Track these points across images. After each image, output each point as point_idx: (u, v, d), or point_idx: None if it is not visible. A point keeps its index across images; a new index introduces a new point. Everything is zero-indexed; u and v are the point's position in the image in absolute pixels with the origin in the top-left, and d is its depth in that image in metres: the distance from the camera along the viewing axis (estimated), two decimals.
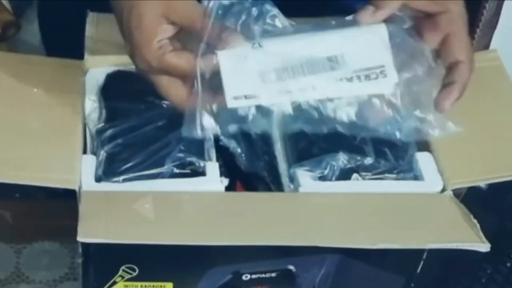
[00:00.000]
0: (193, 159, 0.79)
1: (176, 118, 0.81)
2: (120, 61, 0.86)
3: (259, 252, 0.75)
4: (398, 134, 0.76)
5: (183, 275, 0.76)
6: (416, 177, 0.81)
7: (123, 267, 0.73)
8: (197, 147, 0.80)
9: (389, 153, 0.81)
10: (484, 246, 0.74)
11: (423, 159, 0.82)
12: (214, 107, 0.73)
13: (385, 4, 0.74)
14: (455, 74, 0.76)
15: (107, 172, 0.78)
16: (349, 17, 0.75)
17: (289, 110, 0.74)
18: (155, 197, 0.76)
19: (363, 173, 0.80)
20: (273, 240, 0.73)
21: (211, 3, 0.72)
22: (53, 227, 0.93)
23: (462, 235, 0.75)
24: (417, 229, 0.76)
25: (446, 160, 0.82)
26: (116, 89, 0.85)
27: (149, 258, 0.74)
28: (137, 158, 0.78)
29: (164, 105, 0.82)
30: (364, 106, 0.75)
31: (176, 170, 0.78)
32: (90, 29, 0.90)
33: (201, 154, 0.80)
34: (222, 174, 0.79)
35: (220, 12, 0.72)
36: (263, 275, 0.77)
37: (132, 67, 0.85)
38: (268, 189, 0.84)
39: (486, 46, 1.24)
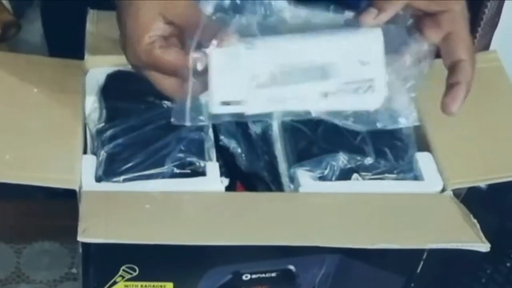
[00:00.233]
0: (193, 159, 0.79)
1: None
2: (120, 61, 0.86)
3: (259, 252, 0.75)
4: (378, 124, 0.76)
5: (183, 275, 0.76)
6: (416, 177, 0.81)
7: (123, 267, 0.73)
8: (197, 147, 0.80)
9: (389, 153, 0.81)
10: (484, 246, 0.74)
11: (423, 159, 0.82)
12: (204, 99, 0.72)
13: (388, 6, 0.74)
14: (459, 74, 0.75)
15: (107, 172, 0.78)
16: (349, 15, 0.75)
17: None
18: (155, 197, 0.76)
19: (363, 173, 0.80)
20: (273, 240, 0.73)
21: (208, 3, 0.72)
22: (53, 227, 0.94)
23: (462, 235, 0.75)
24: (417, 229, 0.76)
25: (446, 160, 0.82)
26: (116, 89, 0.85)
27: (149, 258, 0.74)
28: (137, 158, 0.78)
29: (164, 105, 0.82)
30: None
31: (176, 170, 0.78)
32: (90, 27, 0.90)
33: (201, 154, 0.80)
34: (222, 174, 0.79)
35: (216, 11, 0.72)
36: (263, 275, 0.77)
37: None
38: (268, 189, 0.84)
39: (487, 46, 1.24)
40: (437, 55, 0.79)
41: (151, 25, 0.72)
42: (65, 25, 0.95)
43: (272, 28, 0.74)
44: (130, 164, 0.78)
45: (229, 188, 0.79)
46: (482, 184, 0.82)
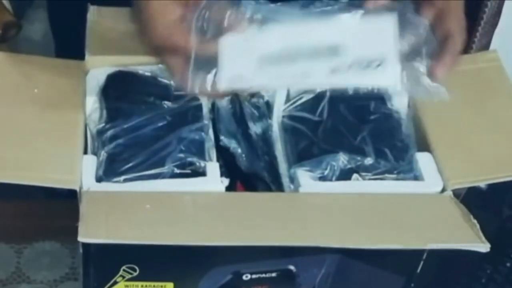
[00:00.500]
0: (193, 159, 0.79)
1: (177, 119, 0.82)
2: (120, 62, 0.86)
3: (260, 252, 0.75)
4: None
5: (183, 275, 0.76)
6: (416, 177, 0.81)
7: (123, 267, 0.74)
8: (197, 147, 0.80)
9: (389, 154, 0.81)
10: (484, 246, 0.74)
11: (423, 159, 0.82)
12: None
13: None
14: (448, 45, 0.77)
15: (107, 172, 0.78)
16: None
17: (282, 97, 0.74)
18: (156, 197, 0.76)
19: (363, 173, 0.80)
20: (274, 240, 0.73)
21: None
22: (53, 227, 0.94)
23: (462, 235, 0.75)
24: (417, 229, 0.76)
25: (446, 160, 0.82)
26: (116, 89, 0.85)
27: (150, 258, 0.74)
28: (137, 158, 0.78)
29: (165, 106, 0.82)
30: None
31: (177, 170, 0.78)
32: (91, 25, 0.90)
33: (201, 154, 0.80)
34: (222, 174, 0.79)
35: None
36: (263, 275, 0.77)
37: (132, 68, 0.86)
38: (269, 189, 0.84)
39: (487, 45, 1.24)
40: None
41: (166, 8, 0.73)
42: (72, 25, 0.95)
43: (282, 8, 0.75)
44: (130, 164, 0.78)
45: (229, 188, 0.79)
46: (482, 184, 0.82)
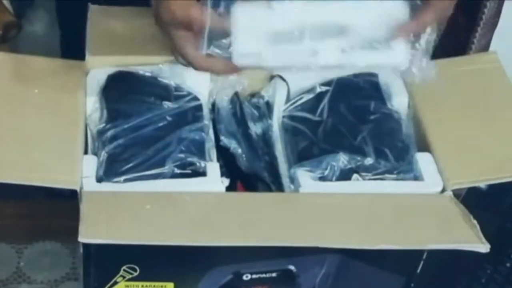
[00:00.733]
0: (194, 159, 0.79)
1: (177, 119, 0.82)
2: (121, 62, 0.87)
3: (260, 252, 0.75)
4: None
5: (184, 275, 0.76)
6: (416, 178, 0.81)
7: (124, 267, 0.74)
8: (198, 147, 0.80)
9: (389, 154, 0.81)
10: (483, 247, 0.74)
11: (423, 160, 0.82)
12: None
13: None
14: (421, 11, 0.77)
15: (108, 172, 0.78)
16: None
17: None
18: (156, 197, 0.76)
19: (363, 174, 0.80)
20: (274, 240, 0.73)
21: None
22: (54, 227, 0.94)
23: (462, 236, 0.75)
24: (417, 229, 0.76)
25: (446, 160, 0.82)
26: (117, 89, 0.85)
27: (150, 258, 0.74)
28: (138, 158, 0.79)
29: (165, 106, 0.83)
30: None
31: (177, 171, 0.78)
32: (91, 24, 0.90)
33: (202, 155, 0.80)
34: (222, 174, 0.79)
35: None
36: (263, 275, 0.77)
37: (133, 68, 0.86)
38: (269, 189, 0.84)
39: (487, 46, 1.24)
40: (437, 56, 0.79)
41: None
42: (79, 23, 0.95)
43: None
44: (131, 165, 0.78)
45: (229, 189, 0.79)
46: (482, 184, 0.82)
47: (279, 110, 0.87)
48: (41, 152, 0.78)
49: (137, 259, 0.73)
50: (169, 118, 0.82)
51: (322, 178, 0.80)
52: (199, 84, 0.85)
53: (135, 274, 0.74)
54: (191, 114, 0.83)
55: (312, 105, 0.85)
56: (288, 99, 0.87)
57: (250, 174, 0.84)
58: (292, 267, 0.77)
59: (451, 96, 0.86)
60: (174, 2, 0.75)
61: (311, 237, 0.74)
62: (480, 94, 0.88)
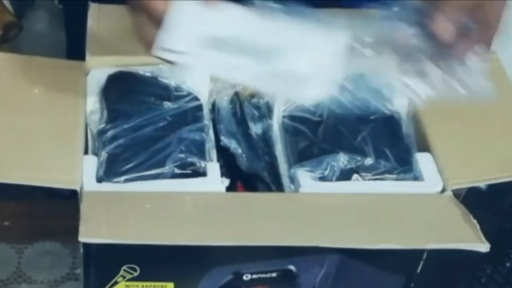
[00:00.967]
0: (194, 159, 0.79)
1: (177, 119, 0.82)
2: (121, 62, 0.87)
3: (260, 252, 0.75)
4: None
5: (184, 275, 0.76)
6: (416, 178, 0.81)
7: (124, 267, 0.74)
8: (198, 147, 0.80)
9: (389, 154, 0.81)
10: (483, 247, 0.74)
11: (423, 160, 0.82)
12: None
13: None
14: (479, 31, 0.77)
15: (108, 172, 0.78)
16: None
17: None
18: (156, 197, 0.76)
19: (363, 174, 0.80)
20: (274, 240, 0.73)
21: None
22: (54, 227, 0.94)
23: (461, 236, 0.75)
24: (417, 229, 0.76)
25: (446, 160, 0.82)
26: (117, 90, 0.85)
27: (150, 258, 0.74)
28: (138, 158, 0.79)
29: (165, 106, 0.83)
30: None
31: (177, 171, 0.78)
32: (92, 23, 0.90)
33: (202, 155, 0.80)
34: (223, 174, 0.79)
35: None
36: (263, 275, 0.77)
37: (133, 68, 0.86)
38: (269, 189, 0.84)
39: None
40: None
41: None
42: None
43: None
44: (131, 165, 0.78)
45: (229, 189, 0.79)
46: (482, 185, 0.82)
47: (279, 110, 0.87)
48: (41, 152, 0.78)
49: (137, 259, 0.74)
50: (169, 118, 0.82)
51: (322, 178, 0.80)
52: (199, 84, 0.85)
53: (135, 274, 0.74)
54: (191, 114, 0.83)
55: (312, 105, 0.85)
56: (288, 99, 0.87)
57: (250, 174, 0.84)
58: (292, 267, 0.77)
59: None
60: None
61: (311, 237, 0.74)
62: None
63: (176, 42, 0.73)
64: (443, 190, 0.80)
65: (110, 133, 0.81)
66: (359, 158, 0.80)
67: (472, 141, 0.84)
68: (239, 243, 0.73)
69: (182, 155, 0.79)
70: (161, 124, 0.81)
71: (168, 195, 0.77)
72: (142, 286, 0.75)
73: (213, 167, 0.79)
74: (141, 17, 0.74)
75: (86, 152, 0.81)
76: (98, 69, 0.87)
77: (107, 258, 0.73)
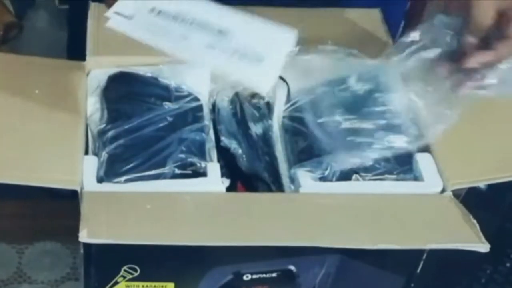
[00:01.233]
0: (194, 160, 0.79)
1: (178, 119, 0.82)
2: (121, 62, 0.87)
3: (260, 252, 0.75)
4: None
5: (184, 275, 0.76)
6: (416, 178, 0.81)
7: (124, 267, 0.74)
8: (198, 148, 0.80)
9: (389, 154, 0.81)
10: (483, 247, 0.74)
11: (423, 160, 0.82)
12: None
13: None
14: (499, 43, 0.77)
15: (108, 172, 0.78)
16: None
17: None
18: (157, 198, 0.76)
19: (363, 174, 0.80)
20: (274, 240, 0.74)
21: None
22: (54, 227, 0.94)
23: (461, 236, 0.75)
24: (417, 229, 0.76)
25: (446, 161, 0.82)
26: (117, 90, 0.85)
27: (150, 258, 0.74)
28: (138, 159, 0.79)
29: (166, 106, 0.83)
30: None
31: (178, 171, 0.78)
32: (92, 23, 0.90)
33: (202, 155, 0.80)
34: (223, 174, 0.79)
35: None
36: (263, 275, 0.77)
37: (133, 69, 0.86)
38: (269, 189, 0.84)
39: None
40: None
41: None
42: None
43: None
44: (131, 165, 0.78)
45: (230, 189, 0.79)
46: (482, 185, 0.82)
47: (280, 110, 0.87)
48: (41, 152, 0.79)
49: (138, 259, 0.74)
50: (169, 119, 0.82)
51: (322, 178, 0.80)
52: (199, 85, 0.86)
53: (136, 274, 0.74)
54: (192, 114, 0.83)
55: (312, 105, 0.85)
56: (288, 100, 0.87)
57: (251, 174, 0.84)
58: (292, 267, 0.77)
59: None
60: None
61: (311, 237, 0.74)
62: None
63: (127, 8, 0.76)
64: (443, 190, 0.80)
65: (110, 133, 0.81)
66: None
67: (472, 141, 0.84)
68: (239, 243, 0.73)
69: (182, 156, 0.79)
70: (161, 125, 0.81)
71: (169, 195, 0.77)
72: (143, 286, 0.75)
73: (214, 167, 0.79)
74: None
75: (86, 152, 0.81)
76: (98, 69, 0.87)
77: (107, 258, 0.73)
